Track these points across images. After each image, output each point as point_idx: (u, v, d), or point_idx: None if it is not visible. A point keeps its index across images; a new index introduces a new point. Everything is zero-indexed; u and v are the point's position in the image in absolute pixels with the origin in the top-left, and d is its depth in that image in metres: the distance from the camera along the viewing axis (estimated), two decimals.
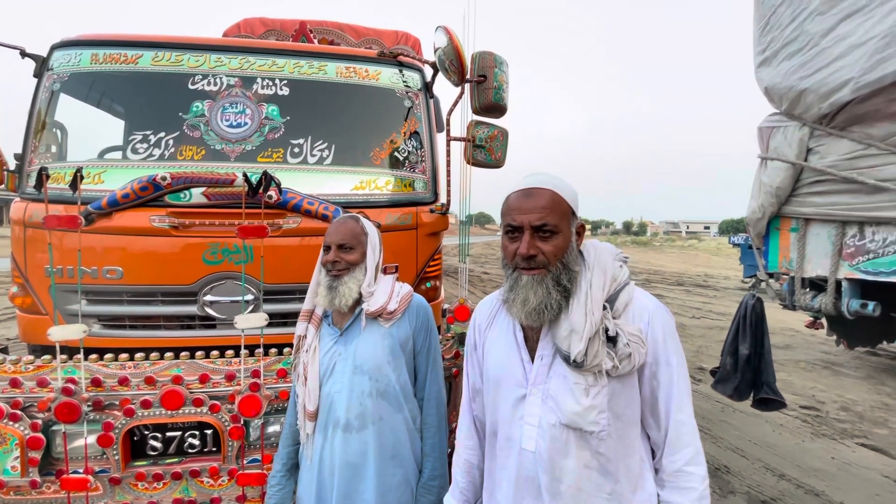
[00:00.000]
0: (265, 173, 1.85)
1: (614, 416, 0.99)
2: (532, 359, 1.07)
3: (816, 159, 1.74)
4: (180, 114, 2.44)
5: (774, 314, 8.44)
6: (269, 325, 1.85)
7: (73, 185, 1.62)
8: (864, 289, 1.71)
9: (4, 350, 2.31)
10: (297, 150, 2.52)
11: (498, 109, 2.48)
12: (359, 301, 1.47)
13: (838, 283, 1.72)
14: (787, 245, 1.90)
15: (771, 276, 2.01)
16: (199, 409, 1.73)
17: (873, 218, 1.57)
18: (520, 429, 1.05)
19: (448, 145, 2.47)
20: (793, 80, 1.75)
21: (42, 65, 2.46)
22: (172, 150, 2.41)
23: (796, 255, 1.84)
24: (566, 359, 0.99)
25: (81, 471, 1.68)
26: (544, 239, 1.00)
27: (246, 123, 2.48)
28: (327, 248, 1.47)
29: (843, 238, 1.68)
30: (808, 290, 1.85)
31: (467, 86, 2.40)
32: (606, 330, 0.97)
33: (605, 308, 0.99)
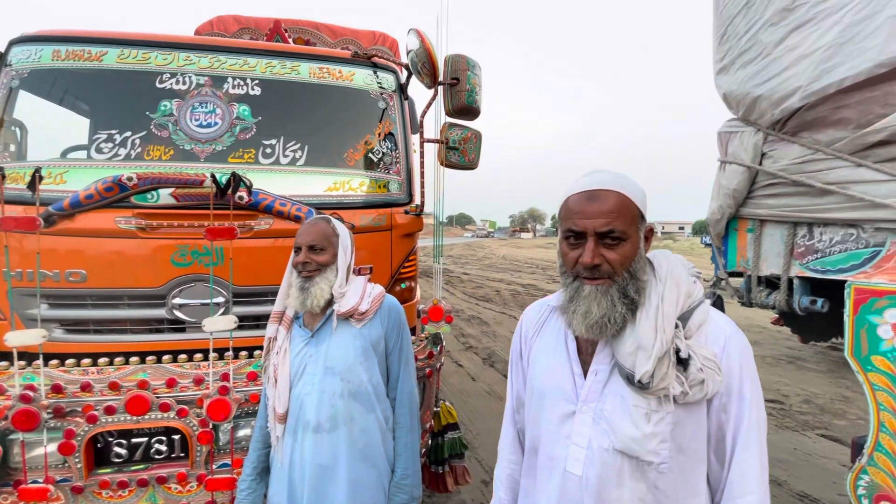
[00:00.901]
0: (234, 174, 1.84)
1: (677, 448, 0.88)
2: (584, 373, 0.97)
3: (770, 163, 1.83)
4: (147, 113, 2.38)
5: (742, 311, 8.75)
6: (241, 327, 1.84)
7: (32, 185, 1.57)
8: (814, 286, 1.81)
9: None
10: (269, 150, 2.50)
11: (471, 112, 2.51)
12: (330, 302, 1.48)
13: (790, 281, 1.82)
14: (744, 245, 1.99)
15: (730, 274, 2.10)
16: (165, 415, 1.70)
17: (821, 219, 1.67)
18: (565, 448, 0.96)
19: (422, 147, 2.49)
20: (748, 87, 1.83)
21: None
22: (139, 149, 2.35)
23: (752, 255, 1.93)
24: (628, 378, 0.89)
25: (41, 480, 1.63)
26: (610, 246, 0.90)
27: (216, 123, 2.44)
28: (298, 250, 1.47)
29: (795, 238, 1.78)
30: (763, 287, 1.94)
31: (440, 88, 2.43)
32: (677, 351, 0.87)
33: (676, 326, 0.89)
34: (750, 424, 0.89)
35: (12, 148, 2.41)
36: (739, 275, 2.07)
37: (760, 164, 1.88)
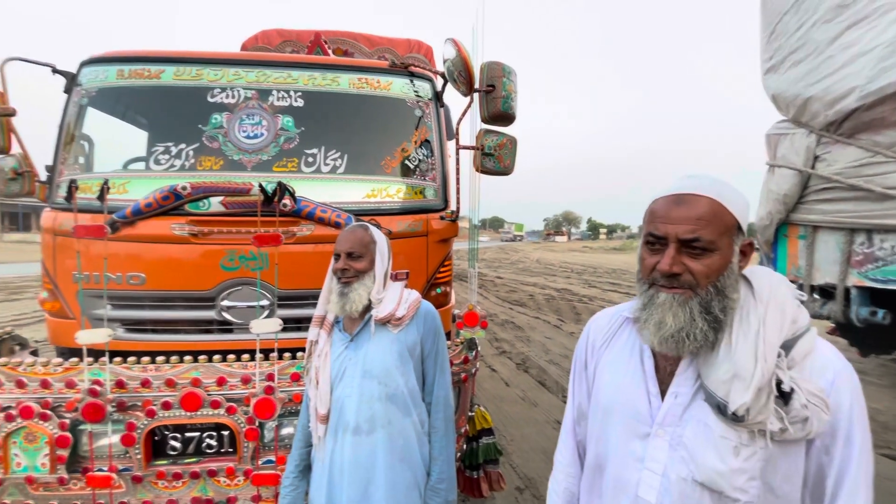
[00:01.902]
0: (280, 183, 1.93)
1: (766, 488, 0.80)
2: (662, 393, 0.89)
3: (824, 167, 1.74)
4: (200, 126, 2.53)
5: None
6: (284, 329, 1.92)
7: (101, 195, 1.71)
8: (874, 296, 1.69)
9: (35, 352, 2.42)
10: (311, 159, 2.60)
11: (506, 118, 2.52)
12: (368, 307, 1.52)
13: (847, 291, 1.71)
14: (795, 252, 1.89)
15: None
16: (216, 411, 1.80)
17: (881, 226, 1.56)
18: (637, 472, 0.89)
19: (457, 153, 2.53)
20: (799, 88, 1.75)
21: (72, 81, 2.59)
22: (192, 160, 2.51)
23: (805, 263, 1.84)
24: (719, 407, 0.81)
25: (106, 468, 1.76)
26: (694, 256, 0.82)
27: (262, 134, 2.57)
28: (337, 256, 1.53)
29: (852, 246, 1.67)
30: (817, 297, 1.84)
31: (476, 95, 2.45)
32: (779, 383, 0.78)
33: (779, 355, 0.80)
34: (859, 474, 0.79)
35: (81, 161, 2.62)
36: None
37: (813, 167, 1.79)
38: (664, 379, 0.90)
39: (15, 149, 2.45)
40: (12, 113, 2.39)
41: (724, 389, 0.80)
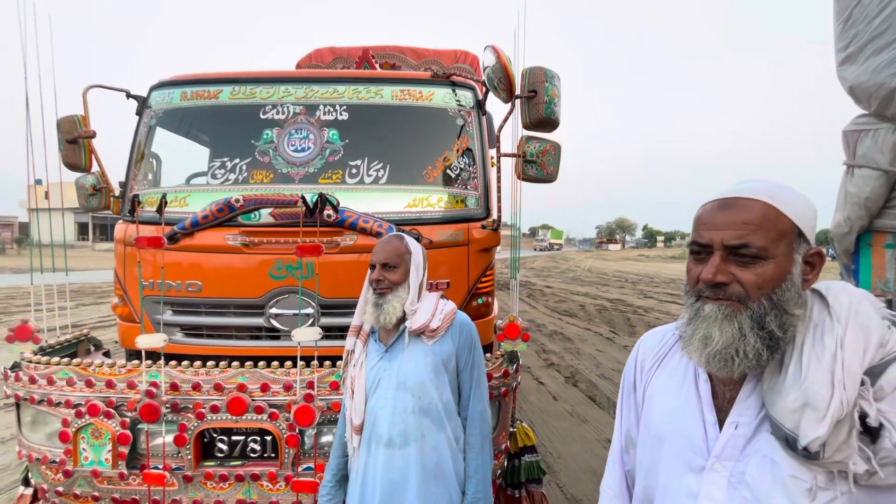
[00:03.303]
0: (321, 195, 1.97)
1: None
2: (720, 422, 0.80)
3: None
4: (253, 141, 2.67)
5: None
6: (328, 337, 1.95)
7: (159, 209, 1.83)
8: None
9: (107, 354, 2.63)
10: (354, 170, 2.65)
11: (549, 124, 2.45)
12: (403, 318, 1.51)
13: None
14: (881, 263, 1.67)
15: None
16: (259, 417, 1.85)
17: None
18: None
19: (498, 161, 2.48)
20: (883, 77, 1.55)
21: (143, 104, 2.82)
22: (245, 174, 2.64)
23: (894, 276, 1.61)
24: (787, 441, 0.70)
25: (160, 467, 1.86)
26: (744, 265, 0.74)
27: (309, 148, 2.66)
28: (372, 267, 1.53)
29: None
30: None
31: (517, 102, 2.40)
32: (864, 416, 0.67)
33: (863, 384, 0.69)
34: None
35: (150, 176, 2.84)
36: None
37: None
38: (723, 406, 0.81)
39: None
40: (93, 135, 2.63)
41: (794, 420, 0.69)
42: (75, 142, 2.60)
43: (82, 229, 41.17)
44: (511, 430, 2.25)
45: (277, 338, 2.45)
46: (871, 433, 0.67)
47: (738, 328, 0.74)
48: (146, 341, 1.84)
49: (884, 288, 1.66)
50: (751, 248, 0.73)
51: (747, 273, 0.74)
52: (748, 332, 0.73)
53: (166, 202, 1.88)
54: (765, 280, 0.73)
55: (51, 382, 1.91)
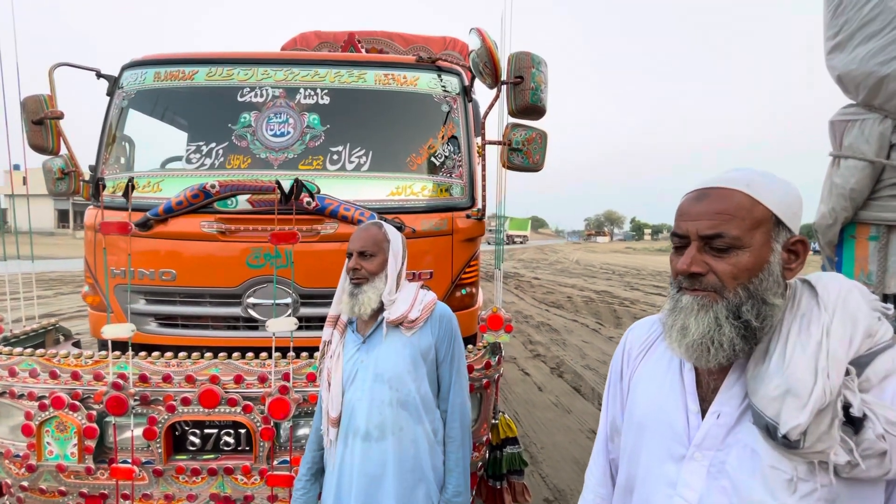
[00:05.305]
0: (297, 180, 1.90)
1: None
2: (703, 411, 0.80)
3: None
4: (230, 125, 2.57)
5: None
6: (308, 328, 1.89)
7: (125, 193, 1.74)
8: None
9: (77, 344, 2.54)
10: (336, 157, 2.57)
11: (536, 111, 2.39)
12: (381, 309, 1.46)
13: None
14: (864, 255, 1.66)
15: None
16: (233, 409, 1.79)
17: None
18: (667, 499, 0.80)
19: (483, 149, 2.43)
20: (871, 66, 1.52)
21: (114, 84, 2.70)
22: (222, 159, 2.54)
23: (877, 268, 1.60)
24: (768, 429, 0.69)
25: (129, 461, 1.80)
26: (718, 255, 0.74)
27: (289, 132, 2.57)
28: (349, 255, 1.47)
29: None
30: (890, 307, 1.60)
31: (504, 88, 2.34)
32: (847, 406, 0.66)
33: (848, 373, 0.68)
34: None
35: (122, 161, 2.73)
36: None
37: (888, 157, 1.56)
38: (707, 396, 0.81)
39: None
40: (60, 116, 2.51)
41: (775, 408, 0.68)
42: (41, 123, 2.47)
43: (62, 216, 40.15)
44: (493, 421, 2.23)
45: (256, 328, 2.39)
46: (854, 424, 0.65)
47: (713, 318, 0.73)
48: (112, 331, 1.76)
49: (866, 280, 1.65)
50: (724, 238, 0.73)
51: (722, 263, 0.74)
52: (724, 322, 0.73)
53: (133, 186, 1.79)
54: (740, 270, 0.73)
55: (13, 374, 1.83)
